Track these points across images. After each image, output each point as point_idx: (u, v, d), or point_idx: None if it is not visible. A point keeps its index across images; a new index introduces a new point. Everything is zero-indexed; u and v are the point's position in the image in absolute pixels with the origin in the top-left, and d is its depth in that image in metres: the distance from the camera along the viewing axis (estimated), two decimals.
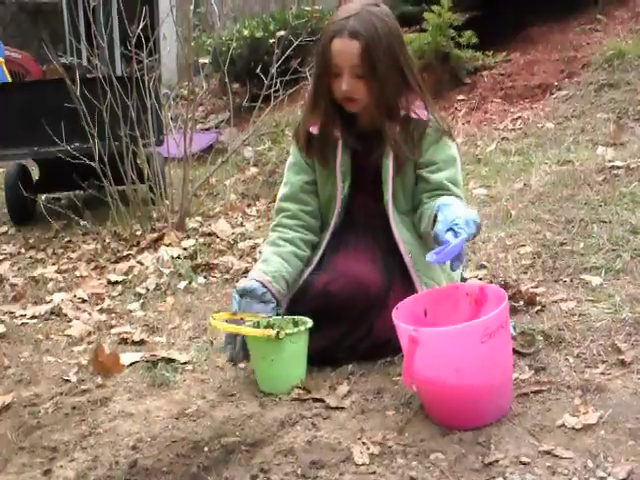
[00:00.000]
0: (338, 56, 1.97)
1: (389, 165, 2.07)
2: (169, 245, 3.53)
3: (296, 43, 4.26)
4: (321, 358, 2.05)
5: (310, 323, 1.99)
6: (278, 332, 1.90)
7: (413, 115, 2.06)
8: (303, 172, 2.20)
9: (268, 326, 2.02)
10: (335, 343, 2.03)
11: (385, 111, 2.04)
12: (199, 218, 4.03)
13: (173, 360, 2.24)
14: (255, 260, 3.17)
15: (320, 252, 2.16)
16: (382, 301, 1.97)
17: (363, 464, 1.57)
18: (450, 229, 1.77)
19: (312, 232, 2.20)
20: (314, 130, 2.13)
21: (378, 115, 2.05)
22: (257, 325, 2.02)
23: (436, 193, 2.03)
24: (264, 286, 2.04)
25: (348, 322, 2.01)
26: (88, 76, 4.32)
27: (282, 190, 2.24)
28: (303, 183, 2.20)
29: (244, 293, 2.04)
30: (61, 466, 1.72)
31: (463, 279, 2.24)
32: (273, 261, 2.09)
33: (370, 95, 2.01)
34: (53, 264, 3.68)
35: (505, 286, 2.23)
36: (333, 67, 2.00)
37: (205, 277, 3.11)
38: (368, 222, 2.17)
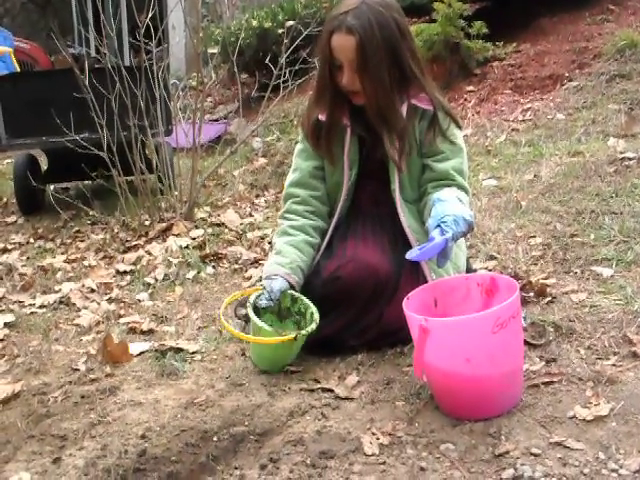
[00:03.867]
0: (337, 51, 2.01)
1: (395, 155, 2.08)
2: (178, 235, 3.53)
3: (305, 33, 4.24)
4: (331, 344, 2.05)
5: (316, 313, 2.01)
6: (296, 336, 1.94)
7: (418, 104, 2.07)
8: (312, 158, 2.21)
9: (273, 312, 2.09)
10: (345, 329, 2.03)
11: (386, 103, 2.04)
12: (208, 208, 4.03)
13: (182, 350, 2.24)
14: (264, 250, 3.17)
15: (327, 239, 2.17)
16: (392, 288, 1.98)
17: (373, 454, 1.56)
18: (438, 225, 1.79)
19: (321, 218, 2.21)
20: (322, 117, 2.14)
21: (379, 107, 2.05)
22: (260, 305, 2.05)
23: (442, 183, 2.04)
24: (286, 280, 2.07)
25: (358, 307, 2.01)
26: (97, 66, 4.31)
27: (291, 176, 2.25)
28: (312, 168, 2.21)
29: (271, 290, 2.04)
30: (70, 454, 1.72)
31: (470, 269, 2.23)
32: (288, 252, 2.11)
33: (366, 88, 2.02)
34: (62, 254, 3.68)
35: (515, 277, 2.21)
36: (335, 61, 2.02)
37: (214, 267, 3.10)
38: (375, 210, 2.18)
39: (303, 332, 1.96)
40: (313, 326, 1.98)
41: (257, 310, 2.02)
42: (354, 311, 2.02)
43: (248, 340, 2.04)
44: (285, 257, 2.10)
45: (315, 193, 2.20)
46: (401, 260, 2.02)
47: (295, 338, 1.94)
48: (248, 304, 2.03)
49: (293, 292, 2.08)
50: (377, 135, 2.11)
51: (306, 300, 2.07)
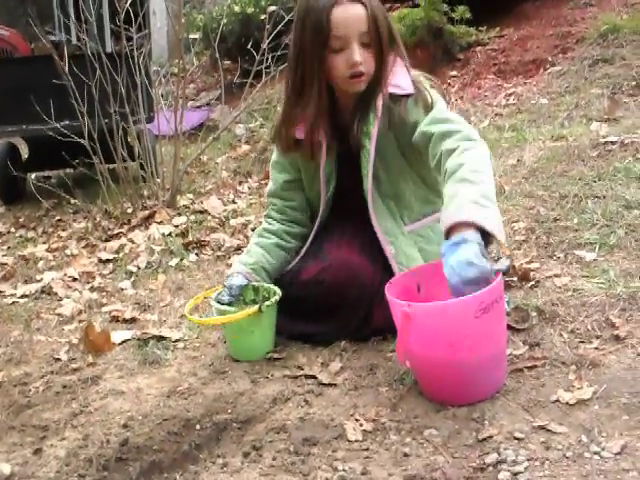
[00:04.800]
0: (343, 25, 1.82)
1: (370, 149, 1.97)
2: (160, 223, 3.51)
3: (287, 18, 4.19)
4: (321, 341, 2.04)
5: (277, 289, 2.05)
6: (260, 306, 1.97)
7: (395, 92, 1.94)
8: (285, 171, 2.18)
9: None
10: (334, 333, 2.02)
11: (380, 86, 1.93)
12: (190, 195, 4.01)
13: (164, 338, 2.22)
14: (247, 237, 3.15)
15: (308, 243, 2.15)
16: (377, 289, 1.88)
17: (356, 440, 1.56)
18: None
19: (299, 224, 2.21)
20: (299, 135, 2.03)
21: (378, 86, 1.92)
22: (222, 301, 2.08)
23: (447, 141, 1.81)
24: (245, 278, 2.11)
25: (346, 308, 1.98)
26: (77, 53, 4.26)
27: (269, 185, 2.26)
28: (283, 182, 2.19)
29: (231, 287, 2.09)
30: (52, 445, 1.70)
31: None
32: (255, 253, 2.16)
33: (380, 62, 1.88)
34: (43, 243, 3.65)
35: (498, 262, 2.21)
36: (334, 41, 1.85)
37: (197, 254, 3.09)
38: (351, 213, 2.10)
39: (267, 303, 1.99)
40: (277, 297, 2.01)
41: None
42: (342, 315, 2.00)
43: (215, 323, 2.07)
44: (251, 257, 2.15)
45: (290, 203, 2.20)
46: (379, 262, 2.00)
47: (260, 309, 1.96)
48: (212, 302, 2.08)
49: (253, 283, 2.12)
50: (348, 135, 2.01)
51: (266, 284, 2.11)
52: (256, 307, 1.97)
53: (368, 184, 2.01)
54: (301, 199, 2.20)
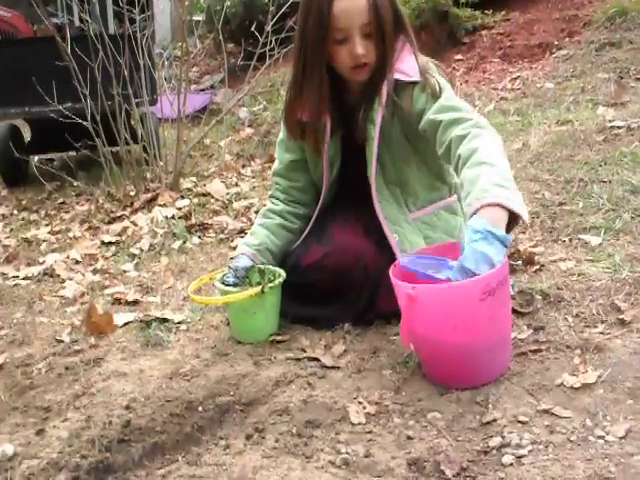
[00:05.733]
0: (344, 18, 1.82)
1: (375, 136, 1.95)
2: (163, 205, 3.50)
3: (291, 1, 4.17)
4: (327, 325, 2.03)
5: (282, 272, 2.04)
6: (262, 287, 1.96)
7: (402, 78, 1.92)
8: (291, 151, 2.16)
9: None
10: (338, 316, 2.01)
11: (386, 75, 1.91)
12: (193, 178, 3.99)
13: (167, 320, 2.22)
14: (250, 220, 3.15)
15: (309, 226, 2.14)
16: (382, 272, 1.83)
17: (359, 423, 1.55)
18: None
19: (303, 205, 2.20)
20: (305, 117, 2.02)
21: (382, 77, 1.91)
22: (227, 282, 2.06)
23: (456, 128, 1.80)
24: (250, 259, 2.10)
25: (349, 293, 1.98)
26: (79, 34, 4.24)
27: (274, 164, 2.25)
28: (289, 162, 2.18)
29: (236, 269, 2.08)
30: (54, 426, 1.70)
31: None
32: (260, 234, 2.15)
33: (381, 54, 1.88)
34: (46, 225, 3.65)
35: None
36: (336, 33, 1.85)
37: (199, 237, 3.08)
38: (356, 198, 2.08)
39: (270, 285, 1.98)
40: (280, 279, 2.01)
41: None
42: (349, 295, 1.99)
43: (217, 302, 2.07)
44: (255, 238, 2.15)
45: (294, 184, 2.19)
46: (385, 247, 1.98)
47: (262, 290, 1.96)
48: (216, 282, 2.07)
49: (259, 266, 2.10)
50: (356, 120, 1.98)
51: (272, 267, 2.10)
52: (259, 288, 1.96)
53: (372, 171, 1.99)
54: (306, 180, 2.18)
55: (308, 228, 2.14)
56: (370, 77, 1.94)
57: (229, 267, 2.10)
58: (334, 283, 1.98)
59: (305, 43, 1.92)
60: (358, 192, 2.06)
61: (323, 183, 2.12)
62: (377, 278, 1.92)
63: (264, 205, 2.29)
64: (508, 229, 1.59)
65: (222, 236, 3.05)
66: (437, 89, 1.90)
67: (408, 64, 1.93)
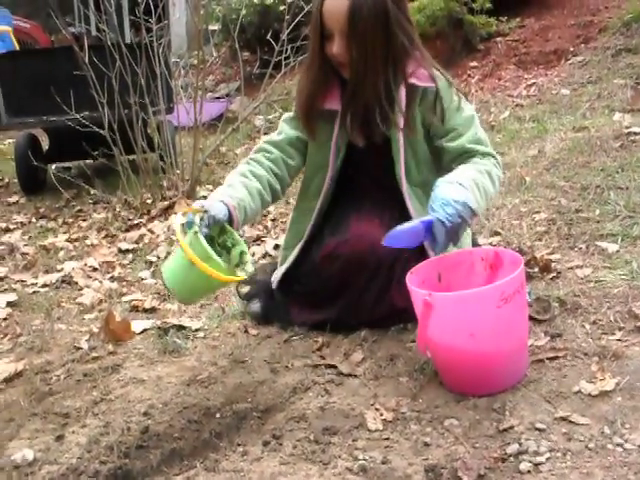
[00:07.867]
0: (328, 17, 1.91)
1: (399, 138, 1.99)
2: None
3: (307, 9, 4.18)
4: (338, 326, 2.04)
5: (247, 255, 1.87)
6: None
7: (417, 83, 1.97)
8: (300, 130, 2.13)
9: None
10: (350, 310, 2.01)
11: (374, 78, 1.93)
12: (210, 186, 4.01)
13: (184, 327, 2.23)
14: (266, 228, 3.15)
15: (312, 222, 2.12)
16: (394, 263, 1.94)
17: (376, 430, 1.55)
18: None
19: (281, 183, 2.11)
20: (328, 104, 2.05)
21: (364, 81, 1.95)
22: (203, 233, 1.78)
23: (465, 156, 1.94)
24: (229, 212, 1.88)
25: (358, 286, 1.98)
26: (97, 44, 4.28)
27: (272, 135, 2.18)
28: (295, 139, 2.13)
29: (213, 219, 1.84)
30: (73, 432, 1.71)
31: (476, 244, 2.20)
32: (240, 190, 1.97)
33: (353, 57, 1.92)
34: (64, 233, 3.68)
35: (520, 253, 2.19)
36: (326, 30, 1.94)
37: None
38: (379, 194, 2.10)
39: (243, 274, 1.82)
40: (251, 268, 1.85)
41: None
42: (355, 290, 2.00)
43: (199, 266, 1.70)
44: (236, 192, 1.95)
45: (288, 160, 2.12)
46: None
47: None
48: (196, 227, 1.77)
49: (228, 227, 1.89)
50: (373, 116, 2.00)
51: (237, 236, 1.89)
52: (242, 277, 1.82)
53: (401, 171, 2.02)
54: (298, 163, 2.15)
55: (311, 222, 2.12)
56: (358, 79, 1.96)
57: (205, 211, 1.82)
58: (347, 273, 1.98)
59: (309, 37, 2.03)
60: (372, 190, 2.11)
61: (326, 173, 2.10)
62: (390, 268, 1.94)
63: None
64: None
65: None
66: (456, 104, 2.00)
67: (420, 72, 1.99)
